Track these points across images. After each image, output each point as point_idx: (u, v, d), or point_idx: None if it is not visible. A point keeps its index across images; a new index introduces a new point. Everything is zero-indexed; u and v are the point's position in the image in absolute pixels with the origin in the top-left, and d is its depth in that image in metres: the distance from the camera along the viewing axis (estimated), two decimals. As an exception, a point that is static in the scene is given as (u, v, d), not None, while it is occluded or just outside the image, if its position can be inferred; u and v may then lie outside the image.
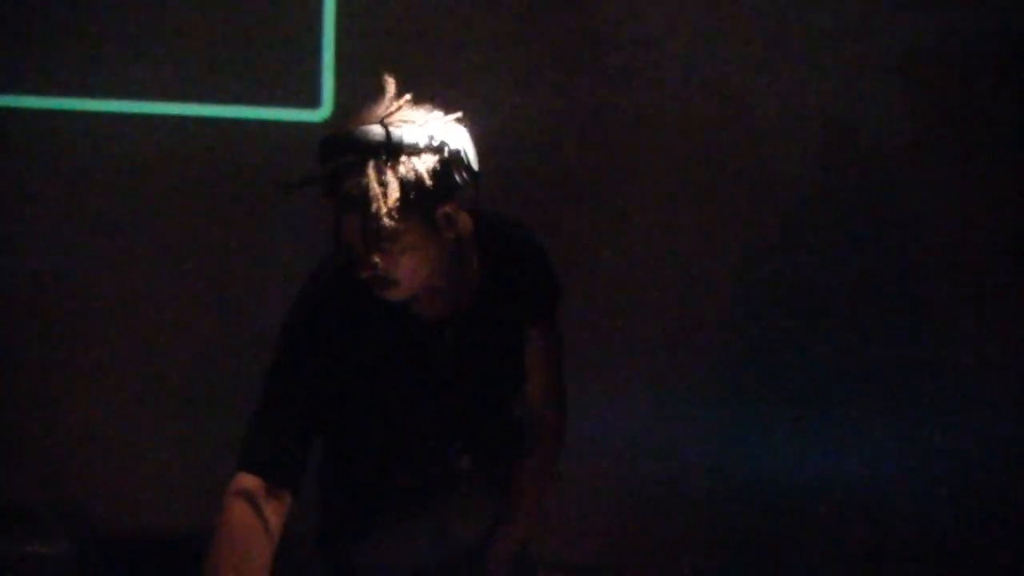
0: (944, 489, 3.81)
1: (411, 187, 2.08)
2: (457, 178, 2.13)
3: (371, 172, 2.05)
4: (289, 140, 3.64)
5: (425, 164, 2.10)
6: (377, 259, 2.12)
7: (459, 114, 2.17)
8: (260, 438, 2.25)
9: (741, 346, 3.79)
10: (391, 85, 2.16)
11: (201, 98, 3.67)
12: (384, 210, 2.06)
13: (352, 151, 2.07)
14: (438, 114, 2.15)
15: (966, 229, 3.72)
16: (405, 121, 2.10)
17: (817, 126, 3.68)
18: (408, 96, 2.15)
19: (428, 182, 2.09)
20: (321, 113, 3.64)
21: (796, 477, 3.83)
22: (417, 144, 2.09)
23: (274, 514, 2.20)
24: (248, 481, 2.21)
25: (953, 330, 3.76)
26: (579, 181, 3.72)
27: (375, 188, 2.05)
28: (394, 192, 2.06)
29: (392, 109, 2.12)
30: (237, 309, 3.72)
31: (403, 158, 2.08)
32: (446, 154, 2.12)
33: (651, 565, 3.77)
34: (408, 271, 2.17)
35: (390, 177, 2.06)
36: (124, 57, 3.67)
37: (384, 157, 2.07)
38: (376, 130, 2.08)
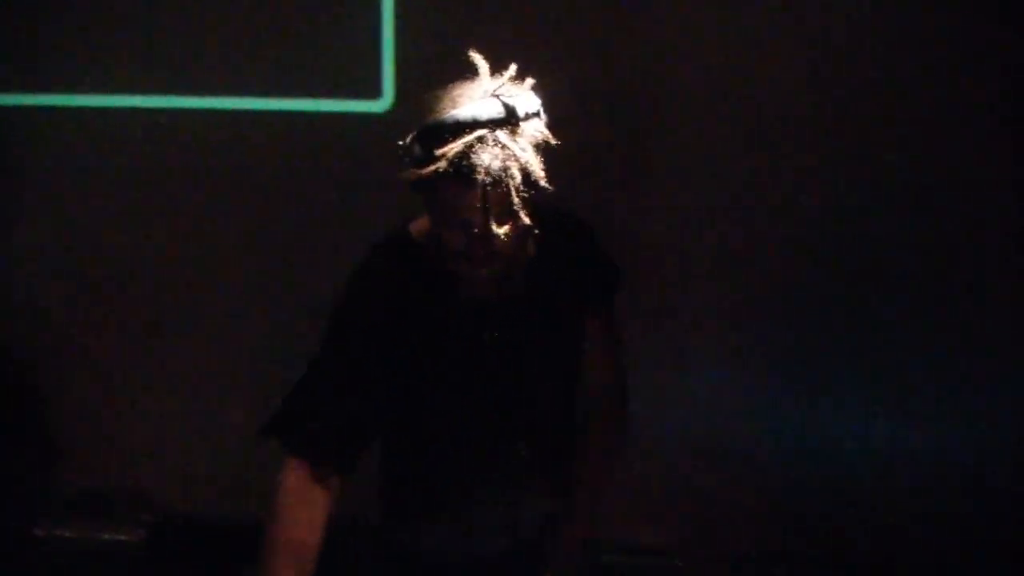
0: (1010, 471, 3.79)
1: (541, 150, 2.12)
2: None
3: (508, 142, 2.07)
4: (351, 131, 3.68)
5: (541, 128, 2.13)
6: (505, 232, 2.10)
7: (534, 82, 2.18)
8: (310, 423, 2.26)
9: (799, 326, 3.77)
10: (484, 62, 2.16)
11: (262, 92, 3.70)
12: (537, 174, 2.08)
13: (480, 126, 2.06)
14: (528, 82, 2.16)
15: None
16: (509, 93, 2.12)
17: (849, 117, 3.66)
18: (513, 68, 2.16)
19: (552, 143, 2.13)
20: (382, 104, 3.66)
21: (861, 456, 3.81)
22: (529, 111, 2.12)
23: (323, 498, 2.24)
24: (299, 466, 2.23)
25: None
26: (633, 160, 3.71)
27: (522, 155, 2.07)
28: (534, 157, 2.09)
29: (499, 84, 2.13)
30: (301, 299, 3.75)
31: (523, 125, 2.10)
32: (544, 118, 2.16)
33: (714, 546, 3.77)
34: (518, 243, 2.17)
35: (526, 143, 2.09)
36: (186, 53, 3.71)
37: (511, 127, 2.08)
38: (494, 103, 2.09)
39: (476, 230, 2.10)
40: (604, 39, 3.62)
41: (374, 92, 3.64)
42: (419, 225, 2.32)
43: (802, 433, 3.85)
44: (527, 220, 2.09)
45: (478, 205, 2.06)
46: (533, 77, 2.17)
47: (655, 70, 3.63)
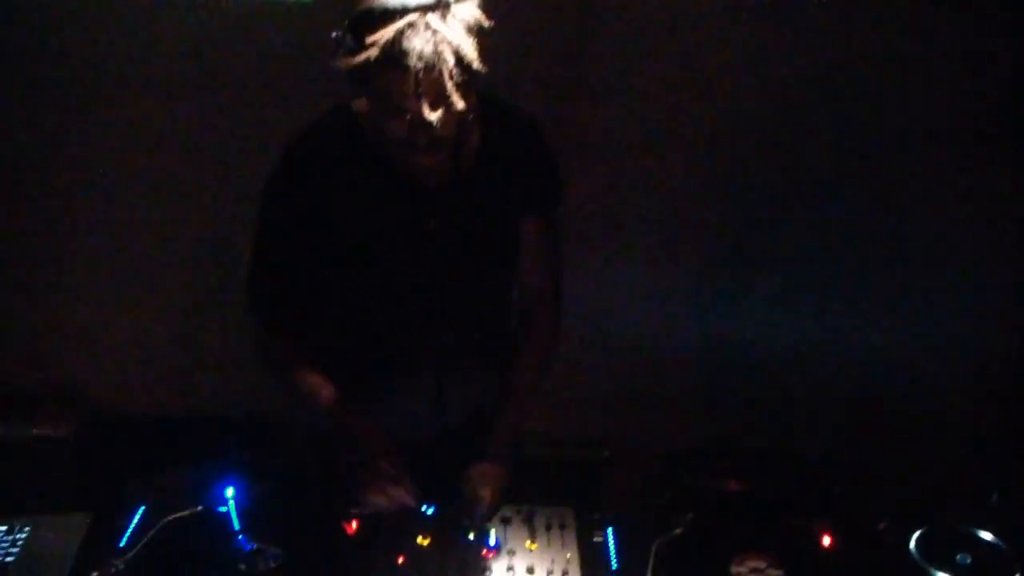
0: (924, 355, 3.89)
1: (474, 32, 2.09)
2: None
3: (439, 26, 2.04)
4: (278, 19, 3.58)
5: (474, 10, 2.11)
6: (443, 117, 2.10)
7: None
8: (262, 283, 2.42)
9: (734, 218, 3.80)
10: None
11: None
12: (470, 57, 2.06)
13: (410, 11, 2.04)
14: None
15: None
16: None
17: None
18: None
19: (486, 24, 2.11)
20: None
21: (782, 342, 3.88)
22: None
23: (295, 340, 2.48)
24: (274, 327, 2.47)
25: (937, 207, 3.78)
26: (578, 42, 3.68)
27: (454, 38, 2.05)
28: (467, 39, 2.06)
29: None
30: (228, 194, 3.71)
31: (454, 7, 2.08)
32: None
33: (641, 435, 3.83)
34: (457, 130, 2.18)
35: (458, 26, 2.07)
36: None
37: (442, 11, 2.06)
38: None
39: (411, 116, 2.10)
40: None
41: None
42: (362, 104, 2.31)
43: (731, 328, 3.91)
44: (462, 104, 2.09)
45: (412, 91, 2.06)
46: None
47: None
